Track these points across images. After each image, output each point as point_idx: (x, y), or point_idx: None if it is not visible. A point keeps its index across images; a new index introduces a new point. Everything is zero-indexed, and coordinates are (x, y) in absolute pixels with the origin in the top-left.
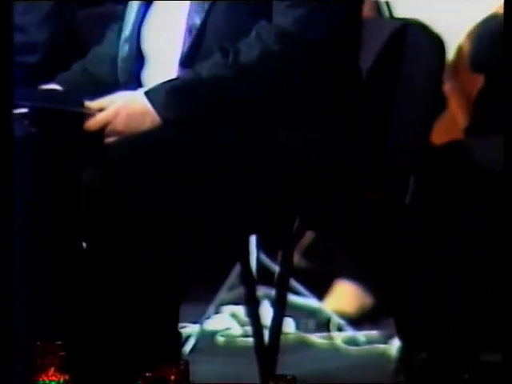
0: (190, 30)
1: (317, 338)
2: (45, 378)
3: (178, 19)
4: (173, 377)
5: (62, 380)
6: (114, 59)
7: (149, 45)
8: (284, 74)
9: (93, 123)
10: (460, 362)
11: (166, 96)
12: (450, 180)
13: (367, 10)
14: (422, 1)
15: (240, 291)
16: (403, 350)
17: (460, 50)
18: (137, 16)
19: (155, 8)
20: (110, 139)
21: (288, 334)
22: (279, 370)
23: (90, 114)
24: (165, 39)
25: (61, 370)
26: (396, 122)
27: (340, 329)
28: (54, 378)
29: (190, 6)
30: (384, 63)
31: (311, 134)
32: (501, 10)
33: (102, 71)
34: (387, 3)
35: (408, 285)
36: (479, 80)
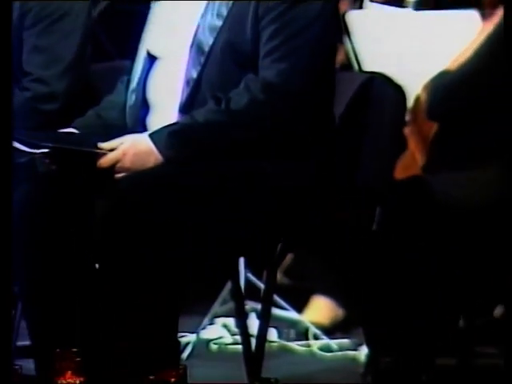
0: (187, 81)
1: (296, 346)
2: (63, 380)
3: (178, 72)
4: (173, 379)
5: (77, 382)
6: (123, 107)
7: (153, 94)
8: (269, 119)
9: (104, 161)
10: (418, 365)
11: (167, 138)
12: (409, 209)
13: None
14: (386, 57)
15: (231, 305)
16: (370, 356)
17: (418, 100)
18: (142, 70)
19: (158, 63)
20: (119, 175)
21: (272, 342)
22: (264, 373)
23: (102, 154)
24: (166, 90)
25: (77, 373)
26: (364, 158)
27: (316, 337)
28: (70, 380)
29: (188, 61)
30: (354, 109)
31: (293, 169)
32: (452, 66)
33: (113, 117)
34: (356, 58)
35: (374, 300)
36: (434, 125)
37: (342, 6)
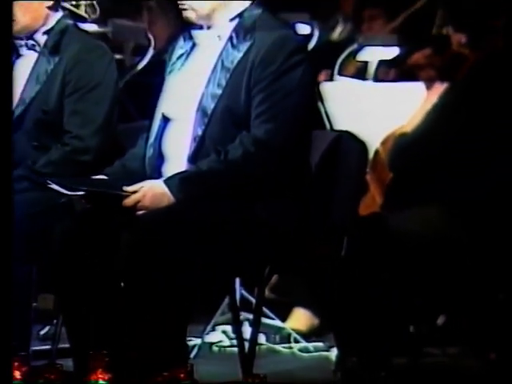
0: (194, 138)
1: (281, 348)
2: (95, 377)
3: (186, 131)
4: (182, 375)
5: (106, 378)
6: (143, 158)
7: (167, 148)
8: (258, 167)
9: (128, 201)
10: (378, 363)
11: (178, 183)
12: (369, 238)
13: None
14: (352, 119)
15: (228, 316)
16: (339, 356)
17: (376, 152)
18: (158, 129)
19: (171, 124)
20: (139, 212)
21: (261, 344)
22: (255, 370)
23: (126, 195)
24: (177, 145)
25: (105, 370)
26: (335, 200)
27: (296, 341)
28: (101, 376)
29: (194, 122)
30: (327, 160)
31: (278, 208)
32: (407, 129)
33: (135, 166)
34: (329, 119)
35: (343, 312)
36: (389, 173)
37: (321, 77)
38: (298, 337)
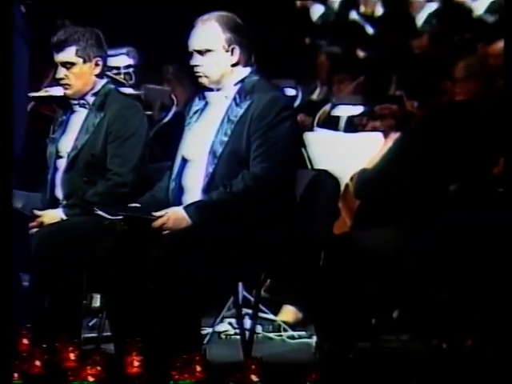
0: (207, 175)
1: (273, 336)
2: (130, 358)
3: (200, 169)
4: (198, 357)
5: (139, 359)
6: (167, 190)
7: (185, 182)
8: (256, 197)
9: (156, 223)
10: (347, 347)
11: (194, 209)
12: (342, 253)
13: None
14: (328, 160)
15: (233, 311)
16: (318, 342)
17: (347, 186)
18: (179, 167)
19: (188, 163)
20: (165, 232)
21: (258, 333)
22: (253, 353)
23: (155, 219)
24: (193, 179)
25: (139, 353)
26: (315, 223)
27: (285, 330)
28: (135, 358)
29: (207, 162)
30: (308, 192)
31: (272, 230)
32: (368, 166)
33: (161, 196)
34: (310, 161)
35: (321, 308)
36: (357, 201)
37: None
38: (287, 327)
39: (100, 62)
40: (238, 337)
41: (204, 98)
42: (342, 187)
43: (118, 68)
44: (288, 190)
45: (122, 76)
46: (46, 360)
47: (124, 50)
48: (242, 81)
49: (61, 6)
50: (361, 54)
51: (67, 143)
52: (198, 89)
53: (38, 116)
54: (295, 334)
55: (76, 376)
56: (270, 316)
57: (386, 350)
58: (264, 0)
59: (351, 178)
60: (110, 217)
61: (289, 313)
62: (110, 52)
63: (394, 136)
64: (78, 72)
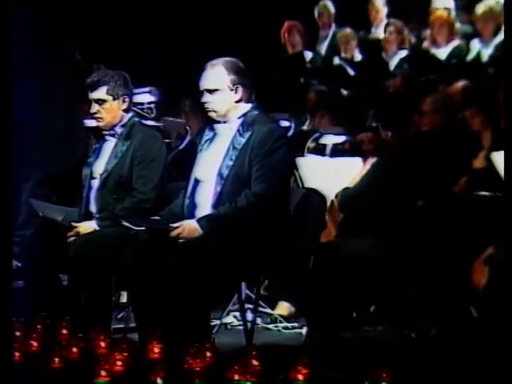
0: (215, 193)
1: (270, 326)
2: (151, 346)
3: (210, 189)
4: (208, 345)
5: (159, 346)
6: (182, 206)
7: (197, 199)
8: (256, 212)
9: (173, 233)
10: (332, 336)
11: (205, 221)
12: (328, 258)
13: None
14: (316, 181)
15: (237, 306)
16: (308, 332)
17: (332, 202)
18: (192, 187)
19: (200, 183)
20: (180, 241)
21: (258, 324)
22: (254, 341)
23: (172, 229)
24: (205, 197)
25: (159, 342)
26: (306, 233)
27: (281, 322)
28: (156, 345)
29: (215, 183)
30: (300, 207)
31: (270, 239)
32: (350, 185)
33: (177, 211)
34: (301, 181)
35: (311, 304)
36: (340, 214)
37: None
38: (282, 319)
39: (127, 99)
40: (242, 327)
41: (213, 129)
42: (328, 203)
43: (141, 104)
44: (283, 206)
45: (145, 110)
46: (81, 347)
47: (147, 89)
48: (244, 115)
49: (95, 51)
50: (344, 92)
51: (100, 166)
52: (208, 121)
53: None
54: (289, 325)
55: (106, 361)
56: (268, 310)
57: (364, 338)
58: (263, 47)
59: (336, 195)
60: (134, 227)
61: (283, 307)
62: (135, 90)
63: (371, 160)
64: (109, 108)
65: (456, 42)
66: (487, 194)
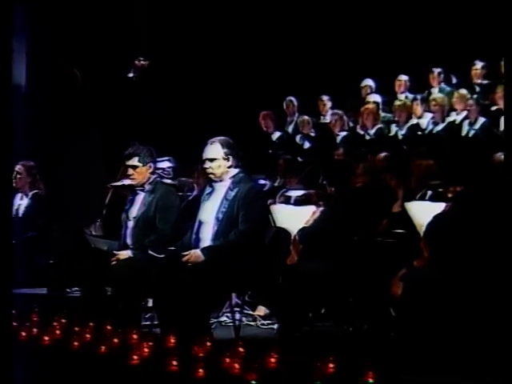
0: (213, 232)
1: (252, 323)
2: (168, 338)
3: (210, 228)
4: (208, 337)
5: (173, 340)
6: (190, 239)
7: (201, 235)
8: (242, 243)
9: (184, 259)
10: (295, 330)
11: (206, 251)
12: (293, 277)
13: None
14: (283, 221)
15: (229, 309)
16: (279, 327)
17: (295, 236)
18: (197, 227)
19: (202, 224)
20: (189, 264)
21: (243, 322)
22: (240, 334)
23: (183, 256)
24: (206, 234)
25: (175, 335)
26: (276, 259)
27: (259, 320)
28: (172, 339)
29: (214, 224)
30: (272, 241)
31: (252, 263)
32: (307, 224)
33: (187, 243)
34: (274, 221)
35: (280, 308)
36: (300, 245)
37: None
38: (260, 318)
39: (152, 165)
40: (232, 324)
41: (212, 186)
42: (292, 237)
43: (163, 168)
44: (261, 239)
45: (165, 173)
46: (120, 339)
47: (166, 158)
48: (233, 176)
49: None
50: (302, 159)
51: (133, 212)
52: (208, 181)
53: (117, 195)
54: (265, 322)
55: (137, 349)
56: (250, 312)
57: (317, 331)
58: (247, 129)
59: (297, 232)
60: (157, 255)
61: (261, 310)
62: (158, 159)
63: (321, 208)
64: (139, 171)
65: (379, 126)
66: (402, 231)
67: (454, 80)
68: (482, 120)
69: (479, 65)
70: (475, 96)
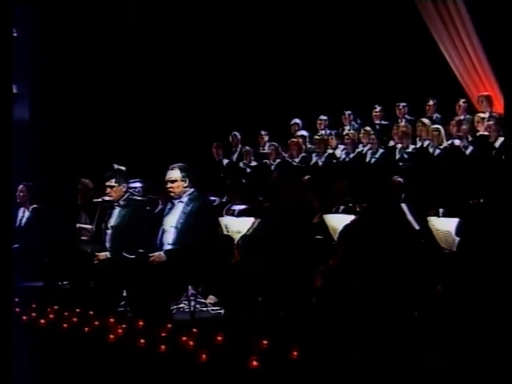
0: (173, 238)
1: (203, 309)
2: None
3: (171, 235)
4: (169, 320)
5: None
6: (156, 244)
7: (164, 241)
8: (196, 247)
9: (151, 259)
10: (238, 316)
11: (168, 253)
12: (235, 272)
13: None
14: (229, 230)
15: (185, 298)
16: (225, 312)
17: (238, 241)
18: (161, 234)
19: (166, 232)
20: (155, 263)
21: (197, 308)
22: (196, 317)
23: (150, 256)
24: (167, 240)
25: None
26: (222, 259)
27: (209, 306)
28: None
29: (174, 231)
30: (219, 245)
31: (204, 263)
32: (247, 232)
33: (153, 247)
34: (221, 230)
35: (225, 297)
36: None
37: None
38: (211, 305)
39: (125, 185)
40: (188, 310)
41: (172, 202)
42: (236, 242)
43: (134, 188)
44: (210, 244)
45: (137, 191)
46: (100, 321)
47: (138, 180)
48: (189, 194)
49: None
50: (245, 181)
51: (111, 222)
52: (170, 198)
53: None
54: (215, 308)
55: (114, 329)
56: (203, 300)
57: (255, 316)
58: (201, 156)
59: (239, 238)
60: (129, 256)
61: (211, 298)
62: (130, 180)
63: (258, 219)
64: (115, 190)
65: (303, 155)
66: (321, 237)
67: (359, 120)
68: (381, 151)
69: (378, 108)
70: (376, 133)
